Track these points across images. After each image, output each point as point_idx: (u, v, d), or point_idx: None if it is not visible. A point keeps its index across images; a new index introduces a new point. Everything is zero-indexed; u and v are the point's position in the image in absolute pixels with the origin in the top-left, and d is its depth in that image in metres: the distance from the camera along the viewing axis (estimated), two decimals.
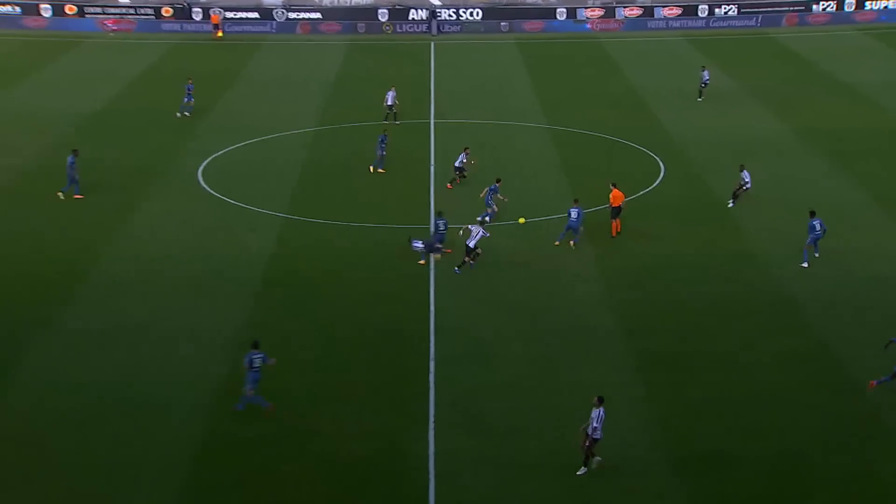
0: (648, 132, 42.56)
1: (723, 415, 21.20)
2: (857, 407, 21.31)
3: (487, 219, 29.73)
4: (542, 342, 24.44)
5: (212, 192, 34.86)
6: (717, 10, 68.43)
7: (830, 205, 32.42)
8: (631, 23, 68.15)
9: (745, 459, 19.67)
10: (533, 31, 68.09)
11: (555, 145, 41.20)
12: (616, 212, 30.84)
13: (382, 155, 37.17)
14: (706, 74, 47.73)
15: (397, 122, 42.95)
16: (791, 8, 67.58)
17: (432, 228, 29.91)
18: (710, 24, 67.79)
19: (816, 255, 28.81)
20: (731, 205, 32.90)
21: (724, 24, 67.68)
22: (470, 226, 28.42)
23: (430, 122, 44.93)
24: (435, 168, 37.98)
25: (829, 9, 66.94)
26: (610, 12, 68.89)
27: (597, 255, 29.72)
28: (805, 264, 28.32)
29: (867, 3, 66.63)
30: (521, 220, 30.94)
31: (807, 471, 19.37)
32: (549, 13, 69.43)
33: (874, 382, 21.75)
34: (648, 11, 68.65)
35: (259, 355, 21.25)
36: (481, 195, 31.82)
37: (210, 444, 20.29)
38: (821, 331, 24.64)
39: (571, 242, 30.00)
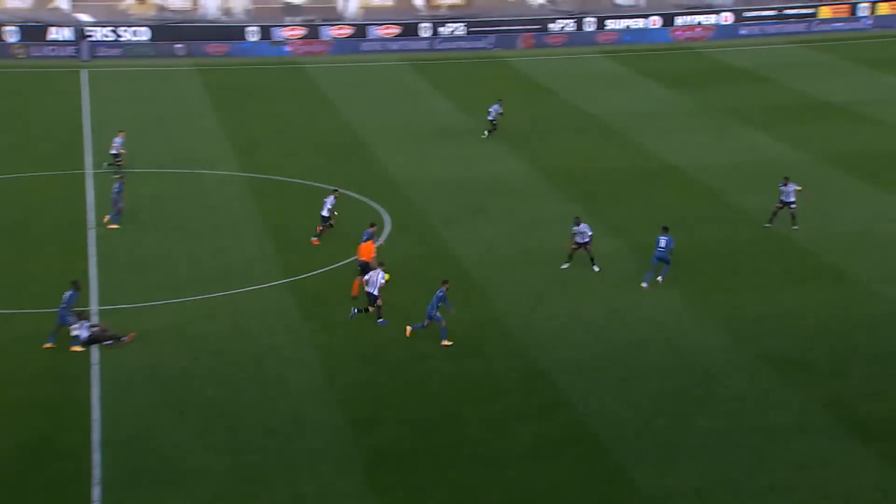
0: (368, 178, 43.47)
1: None
2: (628, 498, 22.48)
3: None
4: (248, 450, 23.91)
5: None
6: (441, 28, 71.62)
7: (584, 260, 34.44)
8: (340, 45, 69.79)
9: None
10: (217, 54, 67.97)
11: (254, 197, 41.08)
12: (364, 268, 31.32)
13: (120, 207, 37.43)
14: (496, 108, 49.41)
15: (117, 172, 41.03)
16: (526, 27, 72.08)
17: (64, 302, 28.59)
18: (436, 46, 70.82)
19: (660, 279, 32.12)
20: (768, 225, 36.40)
21: (452, 45, 71.01)
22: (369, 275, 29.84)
23: (85, 173, 43.54)
24: (97, 231, 36.85)
25: (567, 28, 72.10)
26: (313, 32, 70.19)
27: (312, 330, 29.75)
28: (644, 284, 31.80)
29: (608, 23, 72.49)
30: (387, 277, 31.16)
31: None
32: (237, 33, 69.63)
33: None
34: (360, 31, 70.70)
35: None
36: None
37: None
38: (580, 408, 25.88)
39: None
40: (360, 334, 29.59)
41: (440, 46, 70.87)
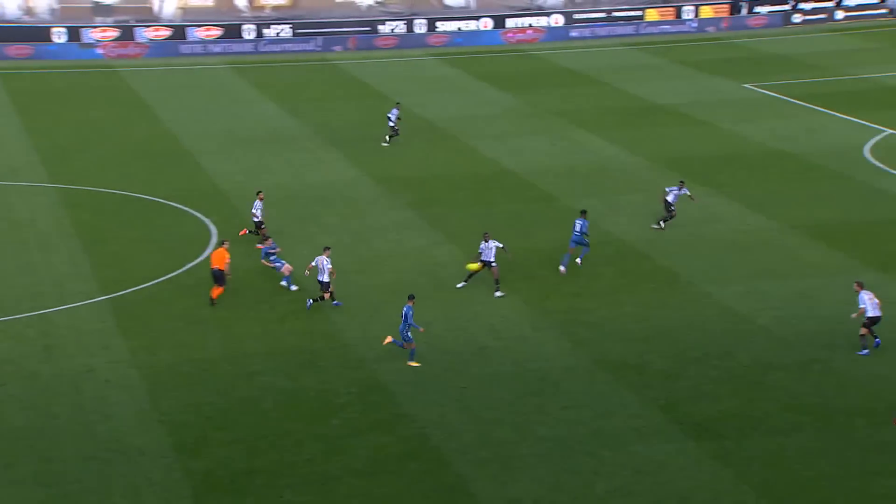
0: (192, 187, 42.90)
1: None
2: None
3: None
4: (63, 481, 23.29)
5: None
6: (265, 30, 71.24)
7: (421, 268, 34.76)
8: (157, 47, 68.84)
9: None
10: (20, 57, 66.06)
11: (65, 209, 40.06)
12: (218, 276, 31.50)
13: None
14: (395, 112, 49.15)
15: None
16: (355, 29, 72.30)
17: None
18: (260, 49, 70.40)
19: (578, 261, 34.13)
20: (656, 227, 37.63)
21: (278, 48, 70.69)
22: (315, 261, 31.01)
23: None
24: None
25: (397, 30, 72.64)
26: (127, 34, 68.89)
27: (133, 349, 29.22)
28: (562, 267, 33.85)
29: (439, 25, 73.36)
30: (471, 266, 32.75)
31: None
32: (41, 34, 67.81)
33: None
34: (179, 33, 69.74)
35: None
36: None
37: None
38: (419, 420, 26.16)
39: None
40: (185, 352, 29.21)
41: (265, 49, 70.48)
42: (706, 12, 75.37)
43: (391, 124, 48.83)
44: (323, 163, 46.82)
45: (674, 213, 37.73)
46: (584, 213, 34.94)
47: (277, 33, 71.30)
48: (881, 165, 44.41)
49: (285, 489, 23.29)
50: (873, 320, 28.64)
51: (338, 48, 70.85)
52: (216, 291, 32.07)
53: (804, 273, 34.30)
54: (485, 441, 25.11)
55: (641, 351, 29.50)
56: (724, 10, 75.46)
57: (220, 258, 32.05)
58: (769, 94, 57.21)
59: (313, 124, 52.52)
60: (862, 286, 29.16)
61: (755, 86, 59.17)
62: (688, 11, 75.28)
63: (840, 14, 75.80)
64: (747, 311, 31.59)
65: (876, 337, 29.03)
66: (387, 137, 48.97)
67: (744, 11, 75.52)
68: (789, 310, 31.71)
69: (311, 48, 70.82)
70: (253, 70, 65.46)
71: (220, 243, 33.46)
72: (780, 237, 37.26)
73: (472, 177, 44.81)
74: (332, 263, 31.61)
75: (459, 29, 73.33)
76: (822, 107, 53.85)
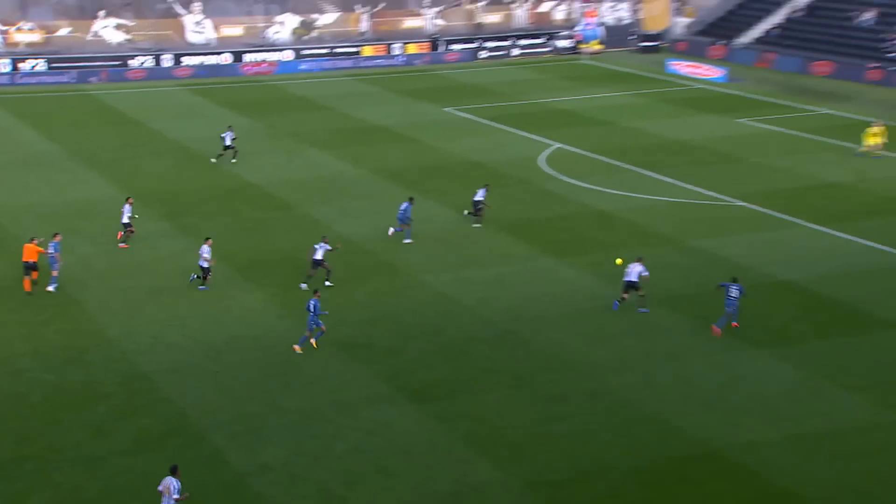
0: None
1: None
2: (225, 477, 22.39)
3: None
4: None
5: None
6: (21, 64, 67.28)
7: (178, 271, 33.73)
8: None
9: None
10: None
11: None
12: (30, 266, 31.08)
13: None
14: (229, 134, 47.40)
15: None
16: (107, 63, 69.34)
17: None
18: (17, 81, 66.44)
19: (408, 241, 36.52)
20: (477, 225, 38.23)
21: (34, 80, 66.89)
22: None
23: None
24: None
25: (146, 64, 70.19)
26: None
27: None
28: (406, 240, 36.53)
29: (184, 59, 71.52)
30: (619, 261, 31.70)
31: None
32: None
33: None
34: None
35: None
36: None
37: None
38: (178, 403, 25.44)
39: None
40: None
41: (21, 81, 66.46)
42: (412, 49, 76.97)
43: (226, 144, 47.68)
44: (82, 182, 44.64)
45: (482, 209, 38.71)
46: (411, 199, 37.38)
47: (33, 67, 67.45)
48: (552, 171, 46.60)
49: (54, 472, 22.15)
50: (632, 284, 30.46)
51: (93, 79, 67.71)
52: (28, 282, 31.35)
53: (499, 262, 35.53)
54: (238, 416, 24.73)
55: (369, 332, 29.78)
56: (426, 48, 77.32)
57: (31, 251, 31.43)
58: (465, 116, 58.93)
59: (72, 148, 49.95)
60: (640, 260, 31.03)
61: (454, 109, 60.79)
62: (397, 48, 76.69)
63: (516, 51, 79.11)
64: (455, 295, 32.44)
65: (623, 299, 30.88)
66: (216, 157, 47.98)
67: (441, 48, 77.58)
68: (488, 292, 32.79)
69: (66, 80, 67.34)
70: (11, 100, 61.55)
71: (30, 239, 32.27)
72: (479, 233, 38.43)
73: (219, 190, 43.88)
74: (210, 253, 32.00)
75: (202, 63, 71.66)
76: (506, 125, 55.94)
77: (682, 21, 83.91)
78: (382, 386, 26.46)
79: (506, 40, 79.30)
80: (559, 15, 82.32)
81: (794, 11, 73.86)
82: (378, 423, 24.57)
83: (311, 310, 28.04)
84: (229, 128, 49.17)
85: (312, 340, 28.41)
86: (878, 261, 34.42)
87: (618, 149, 50.03)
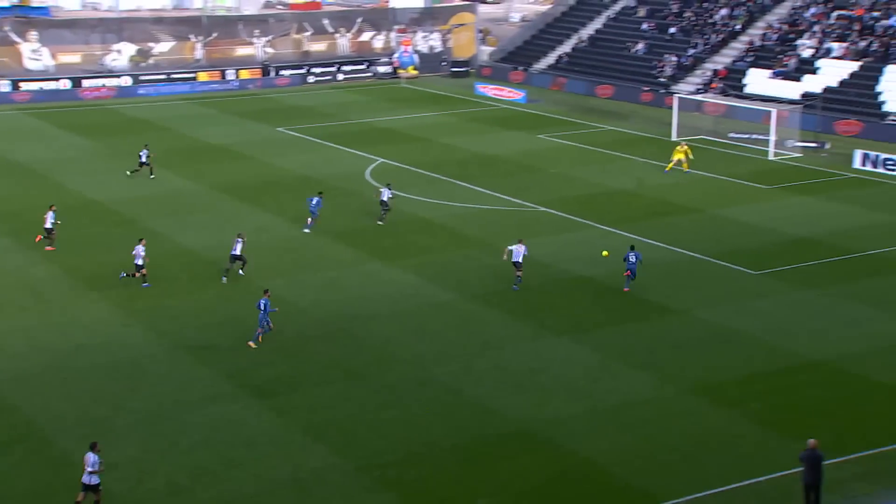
0: None
1: None
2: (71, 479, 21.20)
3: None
4: None
5: None
6: None
7: (22, 283, 31.70)
8: None
9: None
10: None
11: None
12: None
13: None
14: (145, 152, 46.15)
15: None
16: None
17: None
18: None
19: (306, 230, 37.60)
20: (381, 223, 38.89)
21: None
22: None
23: None
24: None
25: None
26: None
27: None
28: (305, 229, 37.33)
29: (22, 85, 67.57)
30: (605, 253, 33.01)
31: None
32: None
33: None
34: None
35: None
36: None
37: None
38: (25, 410, 23.86)
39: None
40: None
41: None
42: (245, 74, 75.41)
43: (142, 161, 46.41)
44: None
45: (388, 208, 39.50)
46: (320, 193, 39.01)
47: None
48: (377, 184, 46.57)
49: None
50: (517, 265, 32.22)
51: None
52: None
53: (330, 266, 35.15)
54: (84, 420, 23.47)
55: (213, 334, 28.86)
56: (257, 73, 75.92)
57: None
58: (296, 135, 58.11)
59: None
60: (521, 241, 32.62)
61: (286, 129, 59.86)
62: (230, 74, 74.96)
63: (341, 76, 78.76)
64: (292, 297, 31.87)
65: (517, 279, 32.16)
66: (130, 171, 46.88)
67: (272, 74, 76.34)
68: (322, 294, 32.38)
69: None
70: None
71: None
72: (314, 240, 37.93)
73: (62, 207, 41.45)
74: (145, 251, 31.96)
75: (41, 88, 67.84)
76: (334, 143, 55.51)
77: (486, 49, 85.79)
78: (226, 384, 25.66)
79: (331, 66, 78.82)
80: (378, 44, 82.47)
81: (580, 42, 76.65)
82: (222, 419, 23.80)
83: (262, 308, 27.61)
84: (146, 146, 47.81)
85: (251, 342, 27.71)
86: (656, 256, 36.03)
87: (434, 162, 50.48)
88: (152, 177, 46.62)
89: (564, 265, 35.11)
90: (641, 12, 76.16)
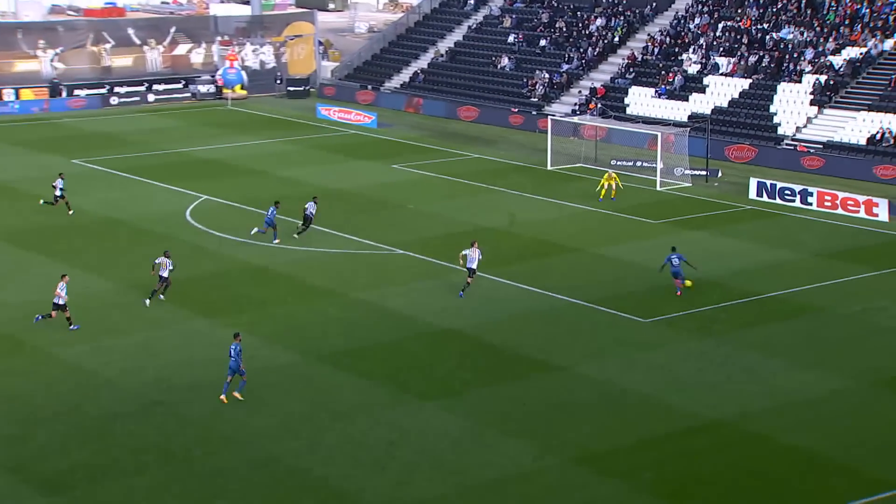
0: None
1: None
2: None
3: None
4: None
5: None
6: None
7: None
8: None
9: None
10: None
11: None
12: None
13: None
14: (59, 183, 46.89)
15: None
16: None
17: None
18: None
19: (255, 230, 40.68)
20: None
21: None
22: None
23: None
24: None
25: None
26: None
27: None
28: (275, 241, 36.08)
29: None
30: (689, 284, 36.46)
31: None
32: None
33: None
34: None
35: None
36: None
37: None
38: None
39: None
40: None
41: None
42: (28, 95, 73.15)
43: (57, 193, 46.86)
44: None
45: (307, 226, 43.09)
46: (277, 203, 42.59)
47: None
48: (200, 226, 45.71)
49: None
50: (472, 271, 35.98)
51: None
52: None
53: (144, 327, 34.13)
54: None
55: None
56: (44, 94, 73.76)
57: None
58: (97, 168, 56.55)
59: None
60: (474, 244, 36.31)
61: (83, 161, 58.19)
62: (9, 94, 72.61)
63: (151, 97, 77.39)
64: (94, 367, 30.73)
65: None
66: (42, 202, 47.75)
67: (64, 94, 74.32)
68: (132, 361, 31.36)
69: None
70: None
71: None
72: (121, 297, 36.76)
73: None
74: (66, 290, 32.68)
75: None
76: (146, 178, 54.28)
77: (329, 65, 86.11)
78: (5, 479, 24.30)
79: (140, 85, 77.43)
80: (197, 58, 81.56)
81: (438, 56, 77.96)
82: None
83: (233, 355, 28.07)
84: (60, 175, 48.14)
85: (236, 393, 28.23)
86: (531, 304, 36.61)
87: (269, 199, 49.99)
88: (42, 203, 47.13)
89: (427, 317, 35.23)
90: (507, 22, 78.24)
